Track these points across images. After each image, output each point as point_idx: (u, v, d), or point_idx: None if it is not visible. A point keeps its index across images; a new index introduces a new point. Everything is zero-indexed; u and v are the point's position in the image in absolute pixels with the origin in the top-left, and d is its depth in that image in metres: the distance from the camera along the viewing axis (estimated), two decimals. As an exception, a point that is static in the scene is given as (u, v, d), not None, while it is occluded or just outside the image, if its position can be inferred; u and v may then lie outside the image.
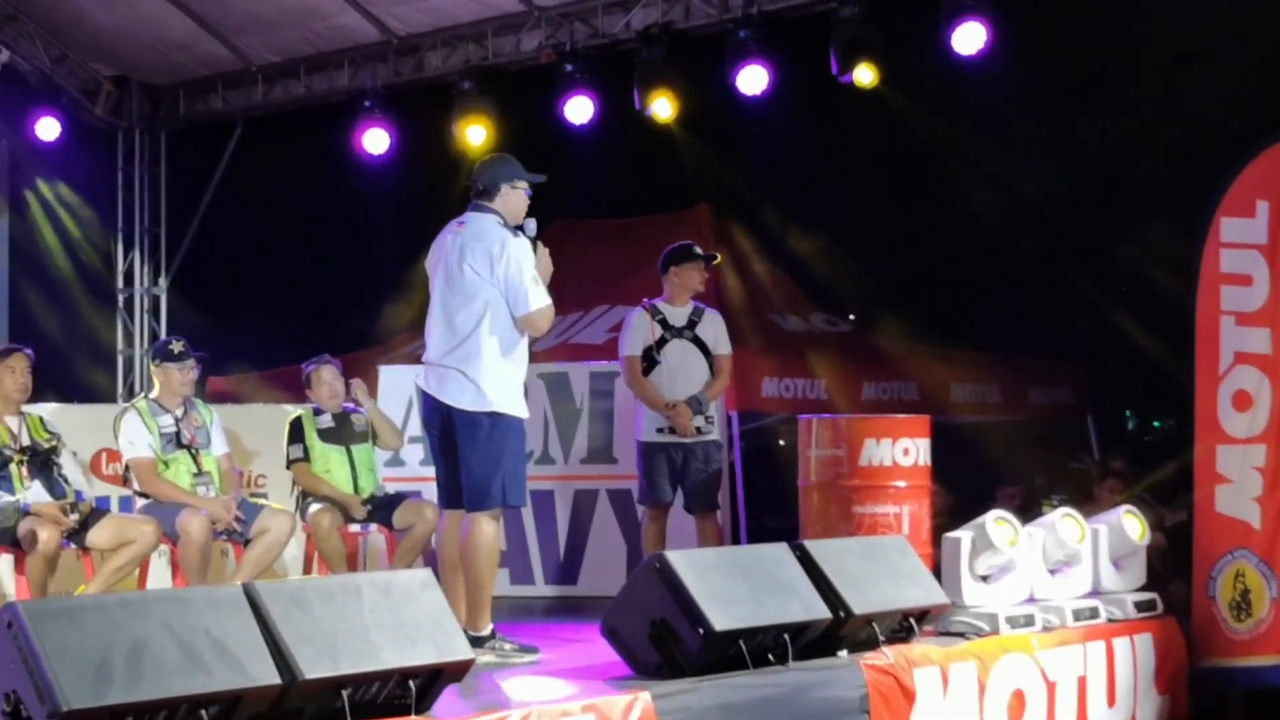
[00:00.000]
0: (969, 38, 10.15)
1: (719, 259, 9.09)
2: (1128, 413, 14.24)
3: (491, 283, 6.85)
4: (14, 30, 12.97)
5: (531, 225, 7.03)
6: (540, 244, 7.01)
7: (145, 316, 14.25)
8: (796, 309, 12.39)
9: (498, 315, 6.87)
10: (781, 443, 13.03)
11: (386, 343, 12.77)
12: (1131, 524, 7.99)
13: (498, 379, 6.87)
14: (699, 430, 8.73)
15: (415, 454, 10.30)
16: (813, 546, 6.88)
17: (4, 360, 8.14)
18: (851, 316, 12.92)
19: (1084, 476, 12.36)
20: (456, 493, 7.00)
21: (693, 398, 8.72)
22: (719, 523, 8.98)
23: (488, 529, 6.89)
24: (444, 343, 6.95)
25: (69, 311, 13.68)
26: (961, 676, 6.84)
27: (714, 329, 8.93)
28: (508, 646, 6.95)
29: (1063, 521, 7.69)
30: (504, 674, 6.55)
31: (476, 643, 6.72)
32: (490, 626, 6.94)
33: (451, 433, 6.93)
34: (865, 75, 10.65)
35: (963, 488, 10.80)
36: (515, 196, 7.03)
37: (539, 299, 6.87)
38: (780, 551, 6.77)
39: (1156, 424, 15.22)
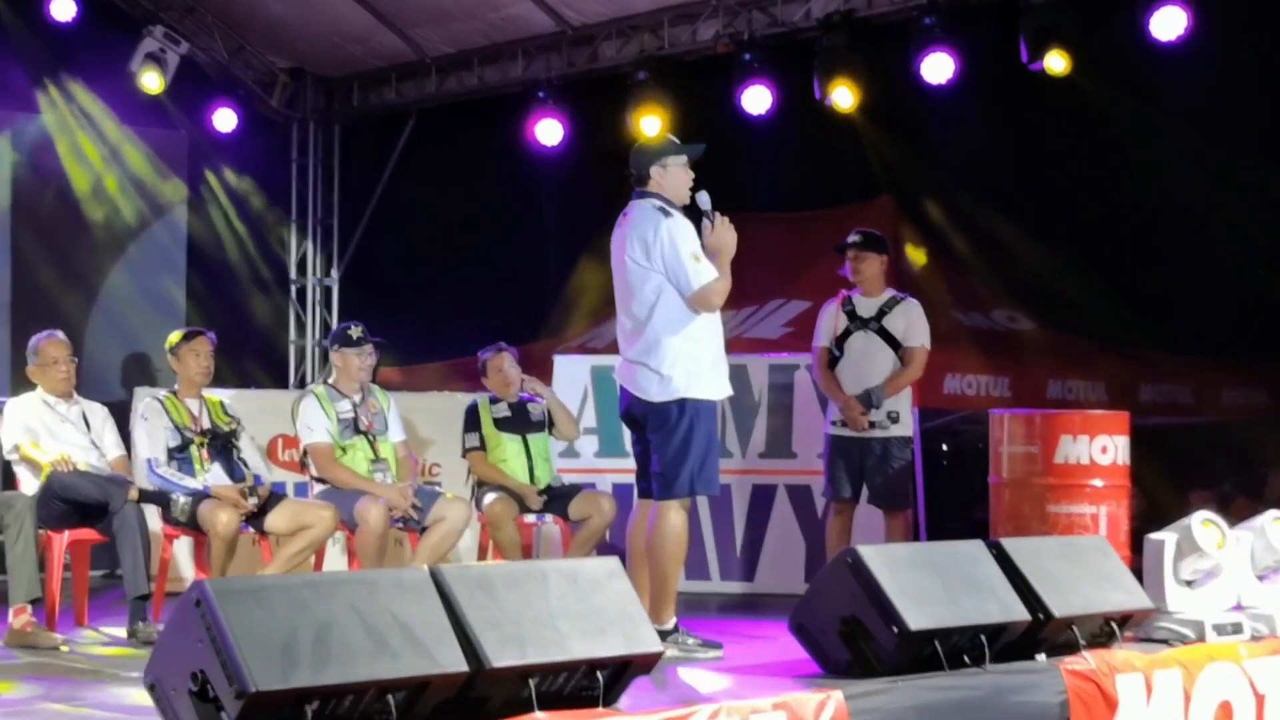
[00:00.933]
0: (1169, 23, 9.76)
1: (853, 250, 8.78)
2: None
3: (653, 269, 6.74)
4: (192, 22, 13.09)
5: (704, 198, 6.88)
6: (719, 215, 6.84)
7: (318, 307, 14.30)
8: (979, 304, 12.09)
9: (669, 300, 6.75)
10: (974, 445, 12.74)
11: (559, 334, 12.66)
12: (1342, 528, 7.58)
13: (682, 364, 6.76)
14: (872, 424, 8.48)
15: (590, 445, 10.20)
16: (1010, 545, 6.60)
17: (189, 343, 8.16)
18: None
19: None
20: (649, 482, 6.89)
21: (865, 391, 8.48)
22: (908, 522, 8.73)
23: (675, 519, 6.76)
24: (627, 337, 6.89)
25: (242, 300, 13.77)
26: (1166, 684, 6.49)
27: (905, 319, 8.68)
28: (691, 641, 6.79)
29: (1273, 525, 7.32)
30: (689, 668, 6.39)
31: (659, 636, 6.61)
32: (674, 620, 6.80)
33: (643, 424, 6.84)
34: (1057, 63, 10.28)
35: (1154, 491, 10.42)
36: (671, 175, 6.89)
37: (702, 275, 6.70)
38: (976, 549, 6.50)
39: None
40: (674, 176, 6.89)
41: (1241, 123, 11.68)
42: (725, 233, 6.83)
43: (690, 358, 6.77)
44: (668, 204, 6.85)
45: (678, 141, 7.09)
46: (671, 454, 6.75)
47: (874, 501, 8.59)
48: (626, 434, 10.02)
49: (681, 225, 6.77)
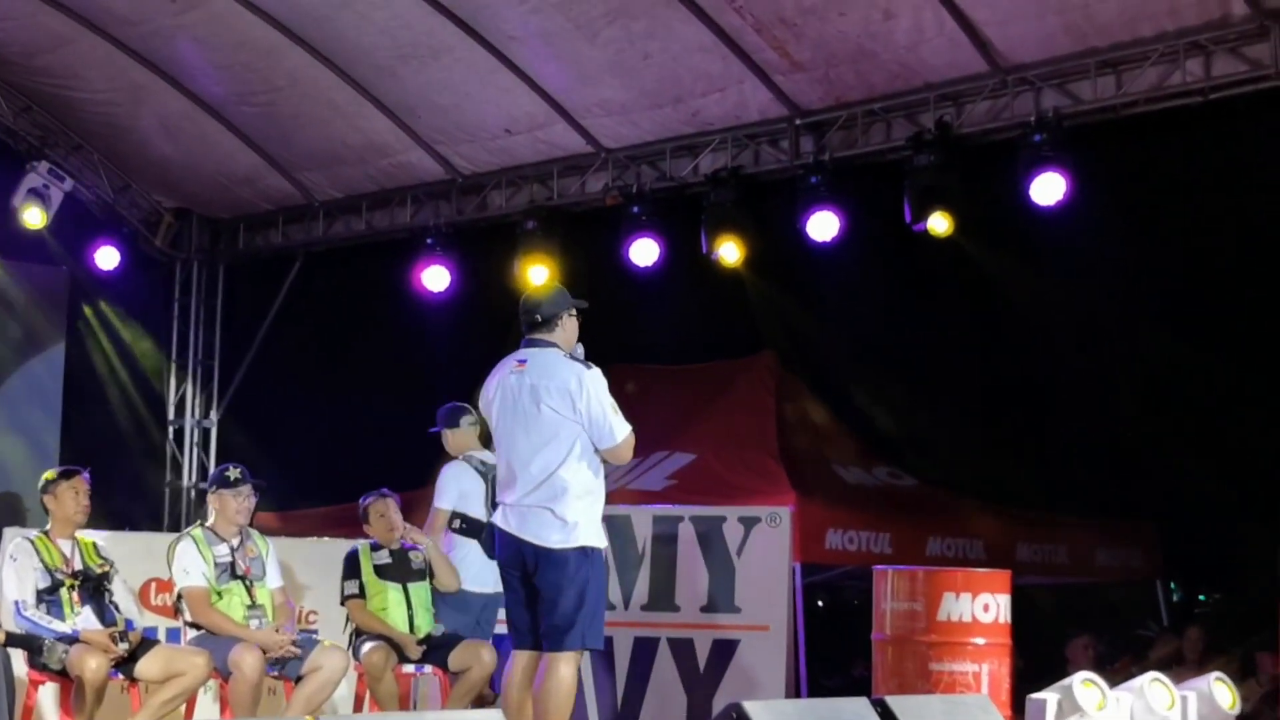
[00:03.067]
0: (1048, 188, 9.98)
1: None
2: (1172, 584, 13.89)
3: (574, 419, 6.75)
4: (78, 160, 13.03)
5: (580, 349, 6.95)
6: (591, 364, 6.89)
7: (195, 448, 14.09)
8: (861, 460, 12.16)
9: (583, 451, 6.77)
10: (852, 601, 12.75)
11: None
12: (1222, 692, 7.62)
13: (584, 513, 6.76)
14: None
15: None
16: (894, 703, 6.56)
17: (68, 481, 7.98)
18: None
19: (1151, 644, 12.03)
20: (531, 634, 6.80)
21: None
22: None
23: (567, 672, 6.70)
24: (525, 483, 6.81)
25: (119, 439, 13.55)
26: (1047, 846, 6.49)
27: None
28: None
29: (1151, 686, 7.34)
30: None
31: None
32: None
33: (533, 573, 6.77)
34: (940, 224, 10.48)
35: (1029, 651, 10.46)
36: (572, 324, 6.97)
37: (623, 428, 6.80)
38: (862, 706, 6.45)
39: (1202, 597, 14.81)
40: (573, 327, 6.96)
41: (1116, 284, 11.96)
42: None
43: (590, 508, 6.79)
44: (565, 354, 6.87)
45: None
46: (569, 604, 6.68)
47: None
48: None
49: (598, 377, 6.81)
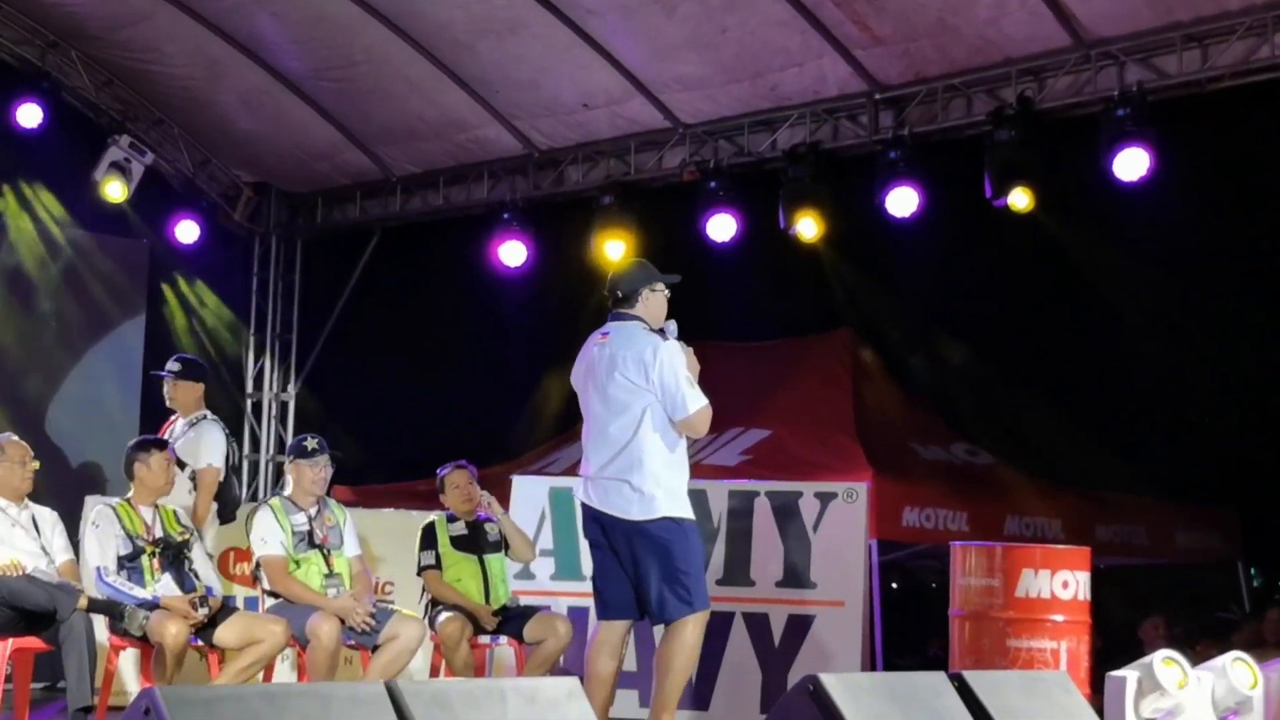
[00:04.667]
0: (1131, 164, 9.85)
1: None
2: (1252, 570, 13.72)
3: (647, 389, 6.80)
4: (159, 133, 13.11)
5: (673, 327, 7.00)
6: (684, 344, 6.94)
7: (273, 421, 14.19)
8: (939, 437, 12.08)
9: (656, 421, 6.81)
10: (927, 582, 12.68)
11: (517, 457, 12.56)
12: (1306, 672, 7.53)
13: (664, 485, 6.78)
14: None
15: (547, 567, 10.07)
16: (971, 678, 6.50)
17: (161, 451, 8.06)
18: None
19: (1232, 627, 11.89)
20: (622, 605, 6.87)
21: None
22: None
23: (688, 634, 6.77)
24: (604, 455, 6.87)
25: (197, 411, 13.61)
26: (1127, 825, 6.42)
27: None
28: None
29: (1234, 666, 7.24)
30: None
31: None
32: None
33: (619, 545, 6.82)
34: (1020, 199, 10.37)
35: (1107, 632, 10.37)
36: (656, 300, 7.00)
37: (696, 400, 6.80)
38: (938, 681, 6.39)
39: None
40: (657, 302, 7.00)
41: (1203, 264, 11.80)
42: (694, 360, 6.94)
43: (670, 479, 6.82)
44: (648, 327, 6.89)
45: (658, 271, 7.14)
46: (661, 574, 6.74)
47: None
48: (586, 557, 9.98)
49: (675, 349, 6.84)
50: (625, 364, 6.83)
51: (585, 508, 6.97)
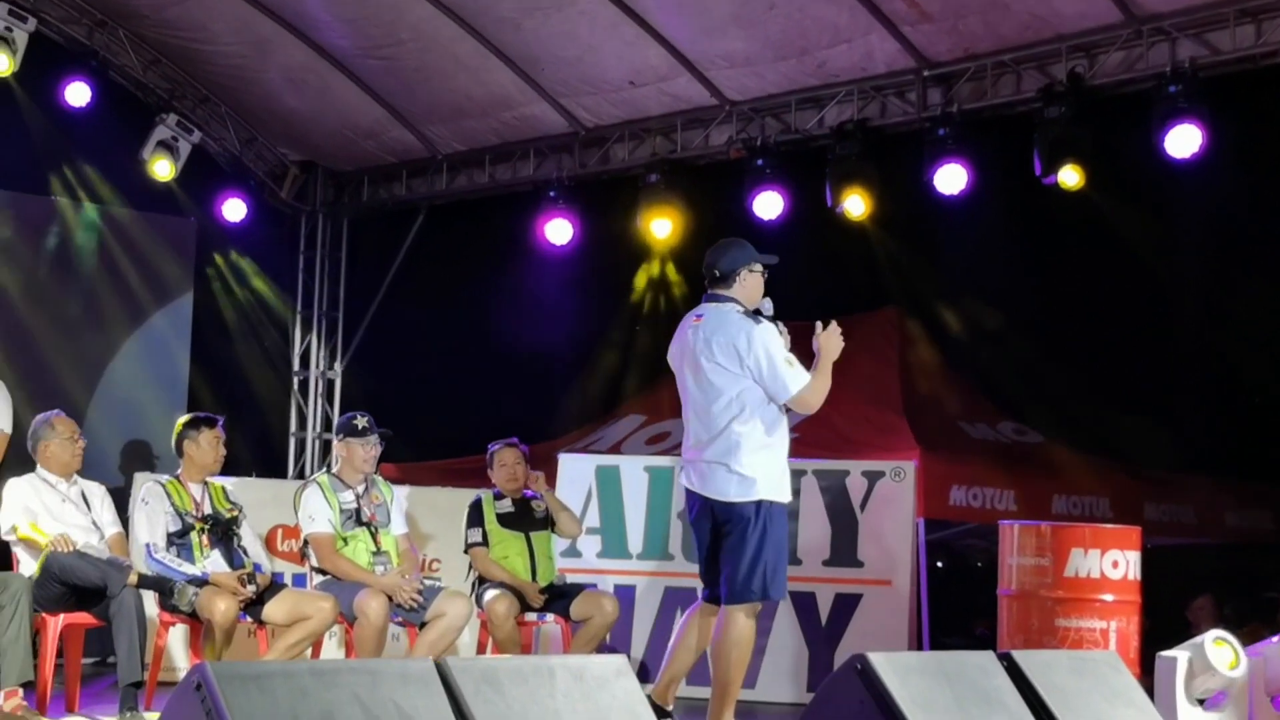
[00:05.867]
0: (1183, 141, 9.75)
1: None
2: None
3: (742, 374, 6.79)
4: (205, 112, 13.14)
5: (768, 305, 6.99)
6: (779, 323, 6.94)
7: (320, 399, 14.23)
8: (987, 416, 12.02)
9: (752, 404, 6.81)
10: (973, 561, 12.63)
11: (562, 435, 12.56)
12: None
13: (760, 467, 6.79)
14: None
15: (593, 545, 10.08)
16: (1021, 657, 6.47)
17: (211, 429, 8.09)
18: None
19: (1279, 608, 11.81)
20: (714, 587, 6.90)
21: None
22: None
23: (743, 624, 6.78)
24: (701, 437, 6.88)
25: (244, 389, 13.70)
26: (1178, 806, 6.39)
27: None
28: None
29: (1286, 646, 7.21)
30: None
31: None
32: None
33: (717, 527, 6.83)
34: (1071, 177, 10.28)
35: (1155, 612, 10.31)
36: (753, 280, 6.99)
37: (798, 379, 6.79)
38: (987, 660, 6.37)
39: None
40: (754, 283, 7.00)
41: (1254, 243, 11.69)
42: (836, 339, 6.95)
43: (768, 461, 6.82)
44: (744, 309, 6.86)
45: (755, 250, 7.10)
46: (747, 556, 6.76)
47: None
48: (633, 535, 10.01)
49: (770, 331, 6.84)
50: (720, 349, 6.82)
51: (688, 491, 6.99)
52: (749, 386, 6.78)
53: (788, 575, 7.03)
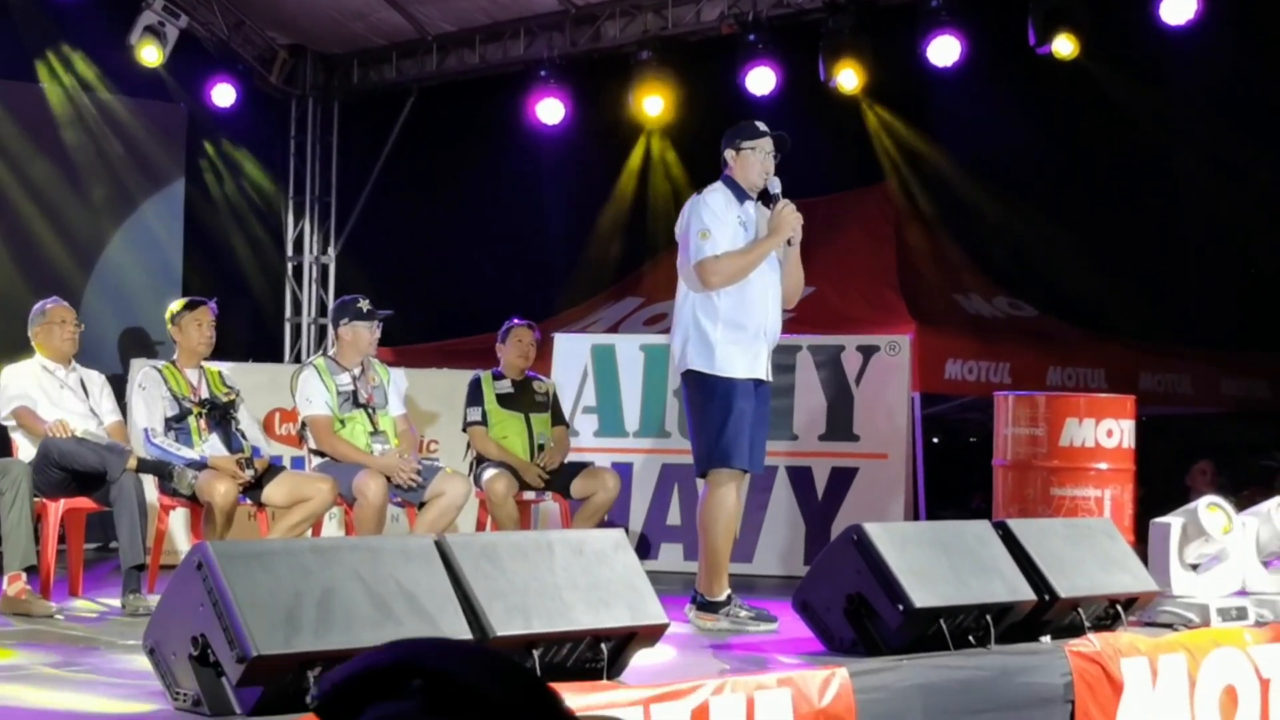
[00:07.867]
0: (1178, 8, 9.69)
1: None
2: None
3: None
4: (193, -4, 13.00)
5: (775, 183, 6.82)
6: (783, 199, 6.77)
7: (314, 284, 14.22)
8: (981, 290, 12.02)
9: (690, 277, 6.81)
10: (968, 435, 12.68)
11: (557, 316, 12.56)
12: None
13: (695, 338, 6.75)
14: None
15: (590, 424, 10.11)
16: (1016, 525, 6.54)
17: (192, 312, 8.06)
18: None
19: (1277, 473, 11.89)
20: (700, 458, 6.87)
21: None
22: None
23: (717, 493, 6.76)
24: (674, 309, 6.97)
25: (238, 274, 13.69)
26: (1171, 669, 6.44)
27: None
28: (744, 614, 6.75)
29: (1279, 511, 7.26)
30: (694, 644, 6.31)
31: (711, 608, 6.74)
32: (726, 592, 6.81)
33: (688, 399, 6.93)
34: (1065, 46, 10.22)
35: (1151, 481, 10.38)
36: (743, 159, 6.84)
37: (698, 252, 6.67)
38: (983, 529, 6.44)
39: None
40: (743, 161, 6.83)
41: (1249, 109, 11.63)
42: (783, 216, 6.73)
43: (705, 332, 6.74)
44: (734, 187, 6.79)
45: (761, 126, 6.95)
46: (692, 427, 6.86)
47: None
48: (629, 413, 10.07)
49: (707, 203, 6.71)
50: (679, 228, 6.83)
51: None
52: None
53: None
